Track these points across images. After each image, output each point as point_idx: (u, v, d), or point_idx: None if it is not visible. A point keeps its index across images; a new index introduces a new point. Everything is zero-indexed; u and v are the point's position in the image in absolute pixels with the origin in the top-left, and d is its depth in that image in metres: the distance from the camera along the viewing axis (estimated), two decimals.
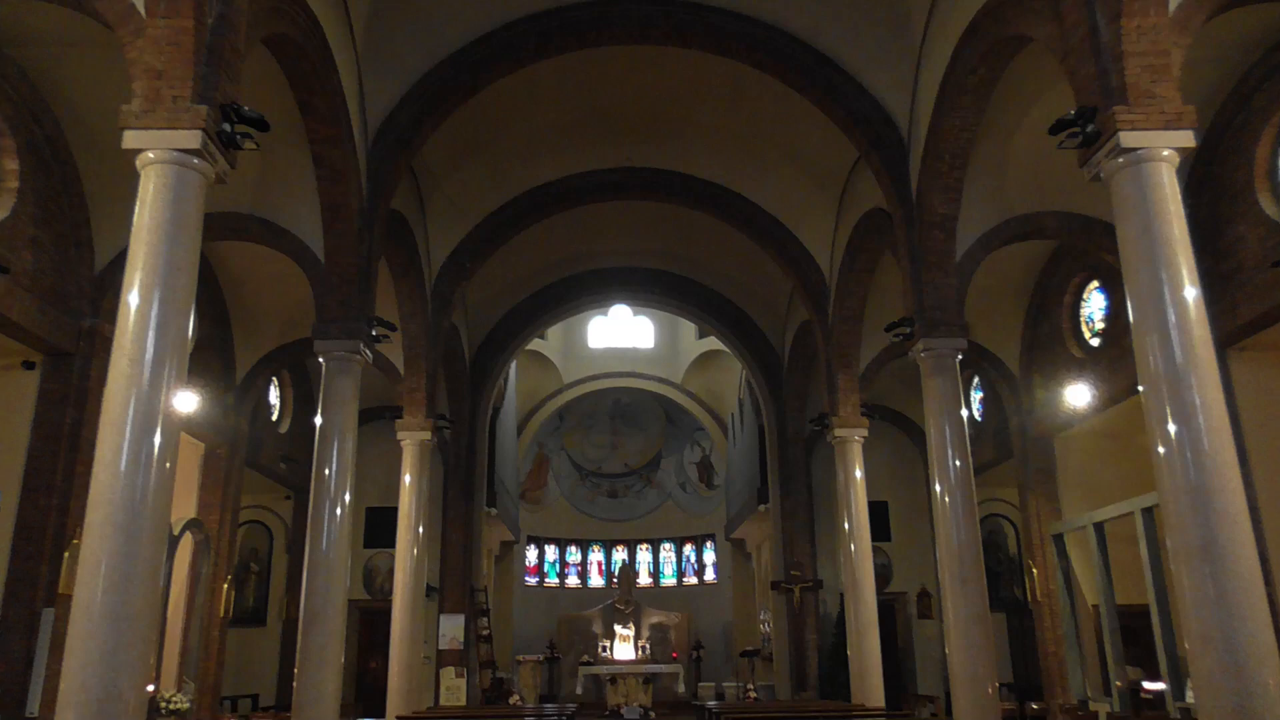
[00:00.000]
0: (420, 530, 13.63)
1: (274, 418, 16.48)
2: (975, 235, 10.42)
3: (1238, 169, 9.36)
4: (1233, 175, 9.43)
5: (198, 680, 13.29)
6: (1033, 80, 9.17)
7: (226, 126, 6.28)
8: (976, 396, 16.82)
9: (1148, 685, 12.01)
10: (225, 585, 14.15)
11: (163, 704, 11.36)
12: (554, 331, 25.09)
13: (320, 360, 10.16)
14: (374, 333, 10.33)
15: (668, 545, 28.52)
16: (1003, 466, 15.60)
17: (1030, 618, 14.93)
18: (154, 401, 5.63)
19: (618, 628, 23.78)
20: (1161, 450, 5.85)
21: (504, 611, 23.91)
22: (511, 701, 17.82)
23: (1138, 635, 12.52)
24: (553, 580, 27.92)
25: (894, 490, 18.88)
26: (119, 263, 9.29)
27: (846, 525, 13.51)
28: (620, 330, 26.94)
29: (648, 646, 23.59)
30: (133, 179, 6.15)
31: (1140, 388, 6.11)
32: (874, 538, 14.03)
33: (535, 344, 23.84)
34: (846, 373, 13.90)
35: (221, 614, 14.06)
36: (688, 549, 28.36)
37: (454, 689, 16.52)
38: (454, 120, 11.34)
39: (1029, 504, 14.39)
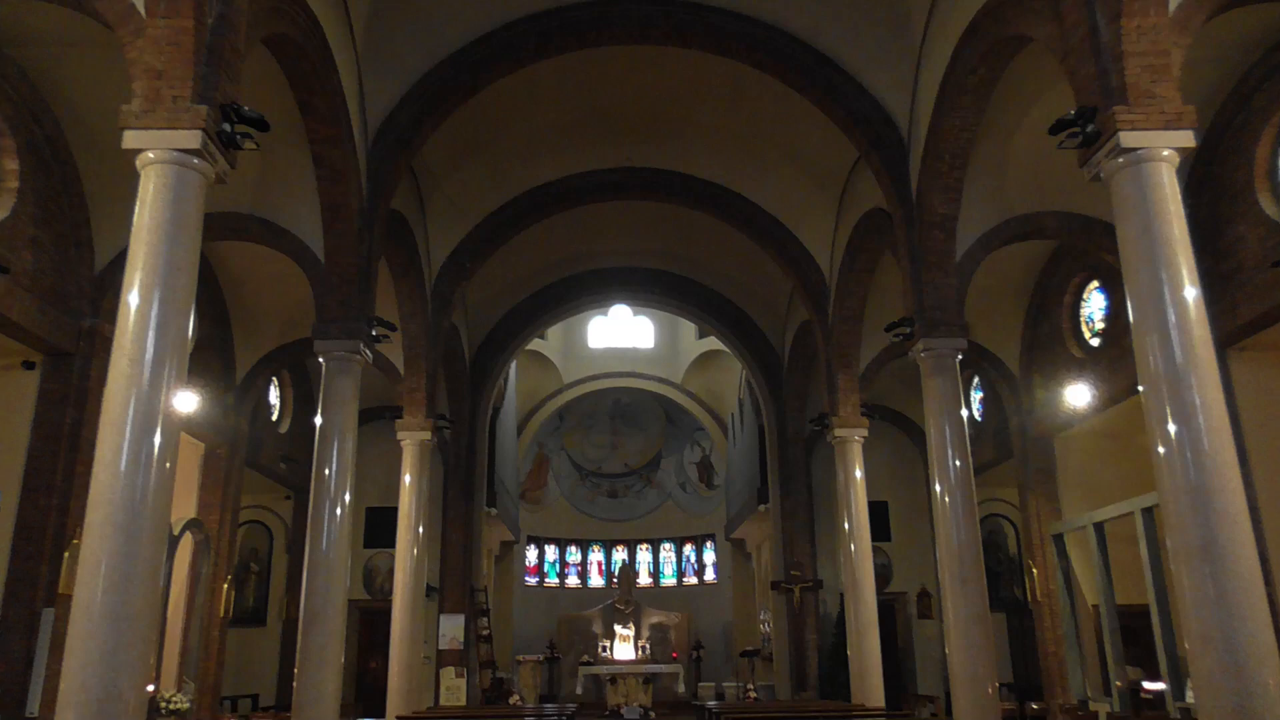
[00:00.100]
0: (420, 530, 13.63)
1: (274, 418, 16.48)
2: (975, 235, 10.42)
3: (1238, 169, 9.36)
4: (1233, 175, 9.43)
5: (198, 680, 13.29)
6: (1033, 80, 9.17)
7: (226, 126, 6.28)
8: (976, 396, 16.82)
9: (1148, 685, 12.01)
10: (225, 585, 14.15)
11: (163, 704, 11.36)
12: (554, 331, 25.09)
13: (320, 360, 10.16)
14: (374, 333, 10.33)
15: (668, 545, 28.52)
16: (1003, 466, 15.60)
17: (1030, 618, 14.93)
18: (154, 401, 5.63)
19: (618, 628, 23.78)
20: (1161, 450, 5.85)
21: (504, 611, 23.91)
22: (511, 701, 17.82)
23: (1138, 635, 12.52)
24: (553, 580, 27.92)
25: (894, 490, 18.88)
26: (119, 263, 9.29)
27: (846, 525, 13.51)
28: (620, 330, 26.94)
29: (648, 646, 23.59)
30: (133, 179, 6.15)
31: (1140, 388, 6.11)
32: (874, 538, 14.03)
33: (535, 344, 23.84)
34: (846, 373, 13.90)
35: (221, 614, 14.06)
36: (688, 549, 28.36)
37: (454, 689, 16.52)
38: (454, 120, 11.35)
39: (1029, 504, 14.39)
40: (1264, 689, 5.31)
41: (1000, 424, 15.51)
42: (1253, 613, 5.44)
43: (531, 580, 27.28)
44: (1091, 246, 11.14)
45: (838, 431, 13.76)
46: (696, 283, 19.02)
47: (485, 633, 18.63)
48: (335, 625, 9.27)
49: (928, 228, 10.15)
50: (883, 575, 17.56)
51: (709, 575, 27.66)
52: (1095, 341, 12.70)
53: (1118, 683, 12.43)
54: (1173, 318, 5.93)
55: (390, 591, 13.75)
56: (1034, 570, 14.21)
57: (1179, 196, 6.24)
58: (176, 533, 12.72)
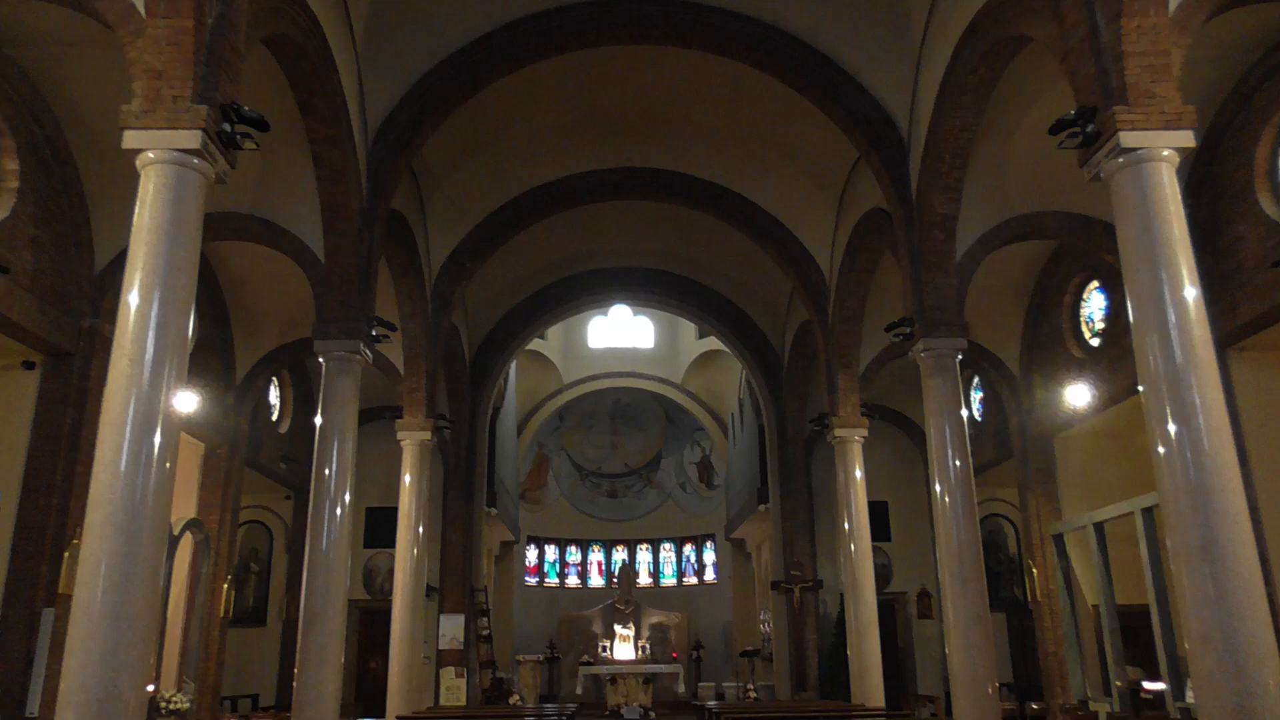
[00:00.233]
0: (420, 530, 13.63)
1: (274, 418, 16.48)
2: (975, 235, 10.42)
3: (1238, 169, 9.36)
4: (1233, 175, 9.43)
5: (198, 680, 13.29)
6: (1033, 80, 9.17)
7: (226, 126, 6.28)
8: (976, 396, 16.82)
9: (1148, 685, 12.01)
10: (225, 585, 14.15)
11: (163, 704, 11.36)
12: (554, 331, 25.09)
13: (320, 360, 10.16)
14: (374, 333, 10.33)
15: (668, 545, 28.52)
16: (1003, 466, 15.60)
17: (1030, 618, 14.93)
18: (154, 401, 5.64)
19: (618, 628, 23.78)
20: (1161, 450, 5.85)
21: (504, 611, 23.91)
22: (511, 701, 17.82)
23: (1138, 635, 12.52)
24: (553, 580, 27.92)
25: (894, 490, 18.88)
26: (119, 263, 9.29)
27: (846, 525, 13.51)
28: (620, 330, 26.93)
29: (648, 646, 23.58)
30: (133, 179, 6.15)
31: (1140, 388, 6.11)
32: (874, 538, 14.03)
33: (535, 344, 23.84)
34: (846, 373, 13.90)
35: (221, 614, 14.05)
36: (688, 549, 28.36)
37: (454, 689, 16.52)
38: (454, 120, 11.34)
39: (1029, 504, 14.39)
40: (1264, 689, 5.31)
41: (1000, 424, 15.51)
42: (1253, 613, 5.44)
43: (531, 580, 27.28)
44: (1091, 246, 11.14)
45: (838, 431, 13.76)
46: (696, 283, 19.02)
47: (485, 633, 18.63)
48: (335, 625, 9.27)
49: (928, 228, 10.15)
50: (883, 575, 17.56)
51: (709, 575, 27.66)
52: (1095, 341, 12.70)
53: (1118, 683, 12.44)
54: (1173, 318, 5.93)
55: (390, 591, 13.75)
56: (1034, 570, 14.21)
57: (1179, 196, 6.24)
58: (176, 533, 12.72)
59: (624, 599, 24.37)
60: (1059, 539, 14.01)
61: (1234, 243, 9.37)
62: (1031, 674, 15.81)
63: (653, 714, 19.83)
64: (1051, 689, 13.73)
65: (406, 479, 13.67)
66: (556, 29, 10.78)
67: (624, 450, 28.81)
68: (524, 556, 27.04)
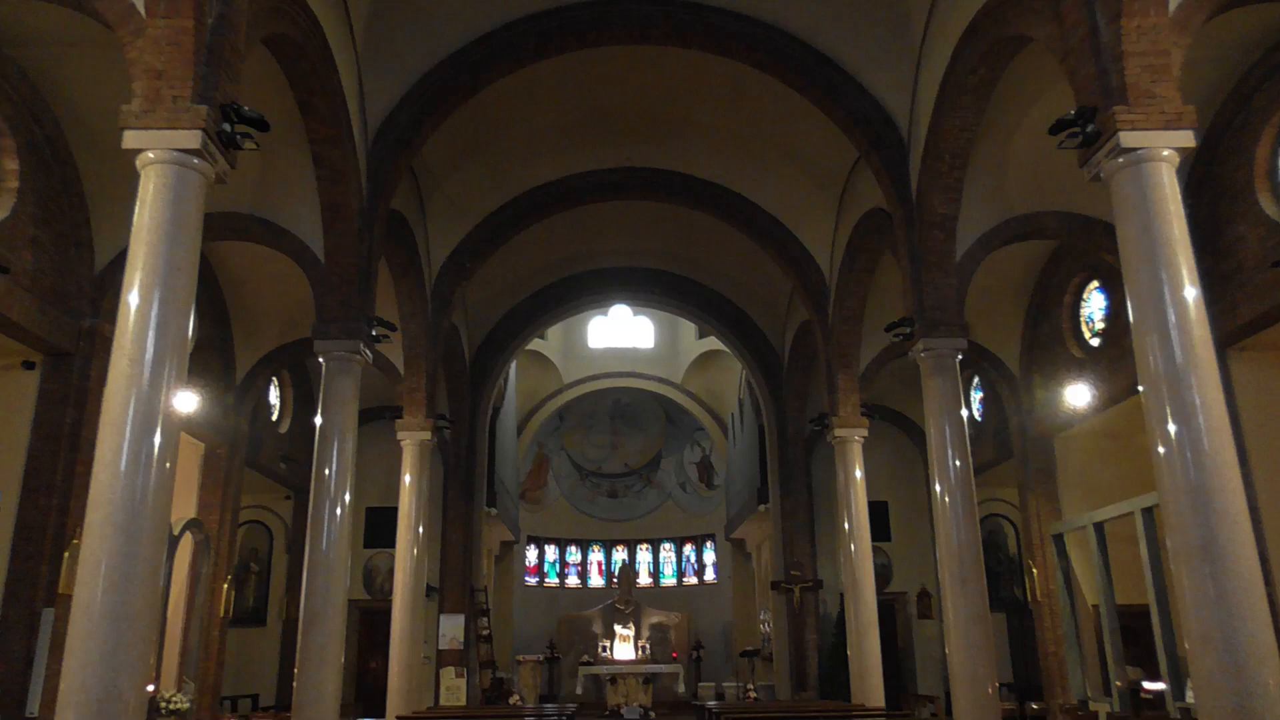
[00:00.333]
0: (420, 530, 13.63)
1: (274, 418, 16.48)
2: (975, 235, 10.42)
3: (1238, 169, 9.36)
4: (1233, 175, 9.43)
5: (198, 680, 13.29)
6: (1033, 80, 9.17)
7: (226, 126, 6.28)
8: (976, 396, 16.82)
9: (1148, 685, 12.01)
10: (225, 585, 14.15)
11: (163, 704, 11.36)
12: (554, 331, 25.09)
13: (320, 360, 10.16)
14: (374, 333, 10.33)
15: (668, 545, 28.52)
16: (1003, 466, 15.60)
17: (1030, 618, 14.93)
18: (154, 401, 5.64)
19: (618, 628, 23.78)
20: (1161, 450, 5.85)
21: (504, 611, 23.91)
22: (511, 701, 17.82)
23: (1138, 635, 12.52)
24: (553, 580, 27.92)
25: (894, 490, 18.88)
26: (119, 263, 9.29)
27: (846, 525, 13.51)
28: (620, 330, 26.93)
29: (648, 646, 23.58)
30: (133, 179, 6.15)
31: (1140, 388, 6.11)
32: (874, 538, 14.03)
33: (535, 344, 23.84)
34: (846, 373, 13.90)
35: (221, 614, 14.05)
36: (688, 549, 28.36)
37: (454, 689, 16.52)
38: (454, 120, 11.34)
39: (1029, 504, 14.39)
40: (1264, 689, 5.31)
41: (1000, 424, 15.51)
42: (1253, 613, 5.44)
43: (531, 580, 27.28)
44: (1091, 246, 11.14)
45: (838, 431, 13.76)
46: (696, 283, 19.02)
47: (485, 633, 18.63)
48: (335, 625, 9.27)
49: (928, 228, 10.14)
50: (883, 575, 17.56)
51: (709, 575, 27.66)
52: (1095, 341, 12.70)
53: (1118, 683, 12.43)
54: (1173, 318, 5.93)
55: (390, 591, 13.75)
56: (1034, 570, 14.21)
57: (1179, 196, 6.24)
58: (176, 533, 12.72)
59: (624, 599, 24.37)
60: (1059, 539, 14.01)
61: (1234, 243, 9.37)
62: (1031, 674, 15.81)
63: (653, 714, 19.83)
64: (1051, 689, 13.73)
65: (406, 479, 13.67)
66: (556, 29, 10.78)
67: (624, 450, 28.81)
68: (524, 556, 27.04)
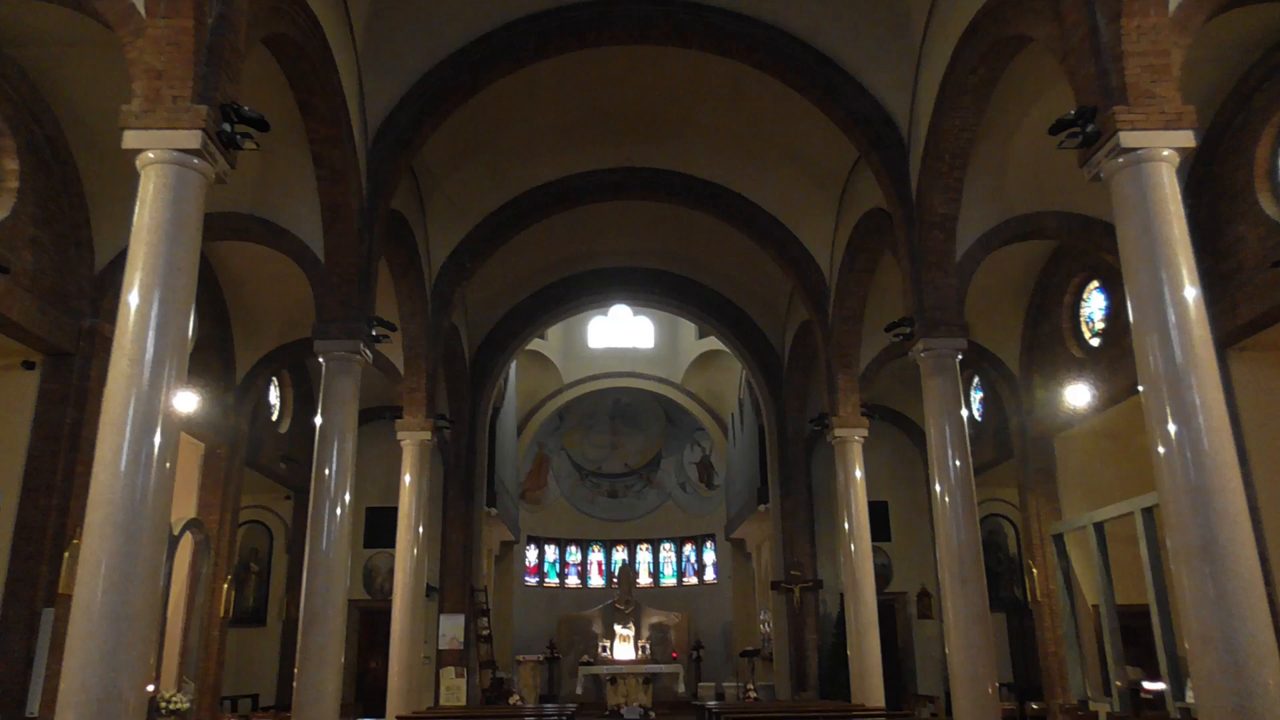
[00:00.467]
0: (420, 530, 13.63)
1: (274, 418, 16.48)
2: (975, 235, 10.42)
3: (1238, 169, 9.36)
4: (1233, 175, 9.43)
5: (198, 680, 13.29)
6: (1033, 80, 9.17)
7: (226, 126, 6.28)
8: (976, 396, 16.82)
9: (1148, 685, 12.01)
10: (225, 585, 14.15)
11: (163, 704, 11.36)
12: (554, 331, 25.09)
13: (320, 360, 10.16)
14: (374, 333, 10.33)
15: (668, 545, 28.52)
16: (1003, 466, 15.60)
17: (1030, 618, 14.93)
18: (154, 401, 5.63)
19: (618, 628, 23.78)
20: (1161, 450, 5.85)
21: (504, 611, 23.91)
22: (511, 701, 17.82)
23: (1138, 635, 12.52)
24: (553, 580, 27.92)
25: (894, 490, 18.88)
26: (119, 263, 9.29)
27: (846, 525, 13.51)
28: (620, 330, 26.93)
29: (648, 646, 23.58)
30: (133, 179, 6.15)
31: (1140, 388, 6.10)
32: (874, 538, 14.03)
33: (535, 344, 23.84)
34: (846, 373, 13.90)
35: (221, 614, 14.05)
36: (688, 549, 28.36)
37: (454, 689, 16.52)
38: (454, 120, 11.34)
39: (1029, 504, 14.39)
40: (1264, 689, 5.31)
41: (1000, 424, 15.51)
42: (1253, 613, 5.44)
43: (531, 580, 27.28)
44: (1091, 246, 11.14)
45: (838, 431, 13.76)
46: (696, 283, 19.02)
47: (485, 633, 18.63)
48: (335, 625, 9.27)
49: (928, 228, 10.14)
50: (883, 575, 17.56)
51: (709, 575, 27.66)
52: (1095, 341, 12.70)
53: (1118, 683, 12.43)
54: (1173, 318, 5.93)
55: (390, 591, 13.75)
56: (1034, 570, 14.21)
57: (1179, 196, 6.24)
58: (176, 533, 12.72)
59: (624, 599, 24.37)
60: (1059, 539, 14.01)
61: (1234, 243, 9.37)
62: (1031, 674, 15.81)
63: (653, 714, 19.83)
64: (1051, 689, 13.73)
65: (406, 479, 13.67)
66: (556, 29, 10.77)
67: (624, 450, 28.81)
68: (524, 556, 27.04)
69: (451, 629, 17.02)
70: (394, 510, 13.85)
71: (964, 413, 9.98)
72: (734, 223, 14.99)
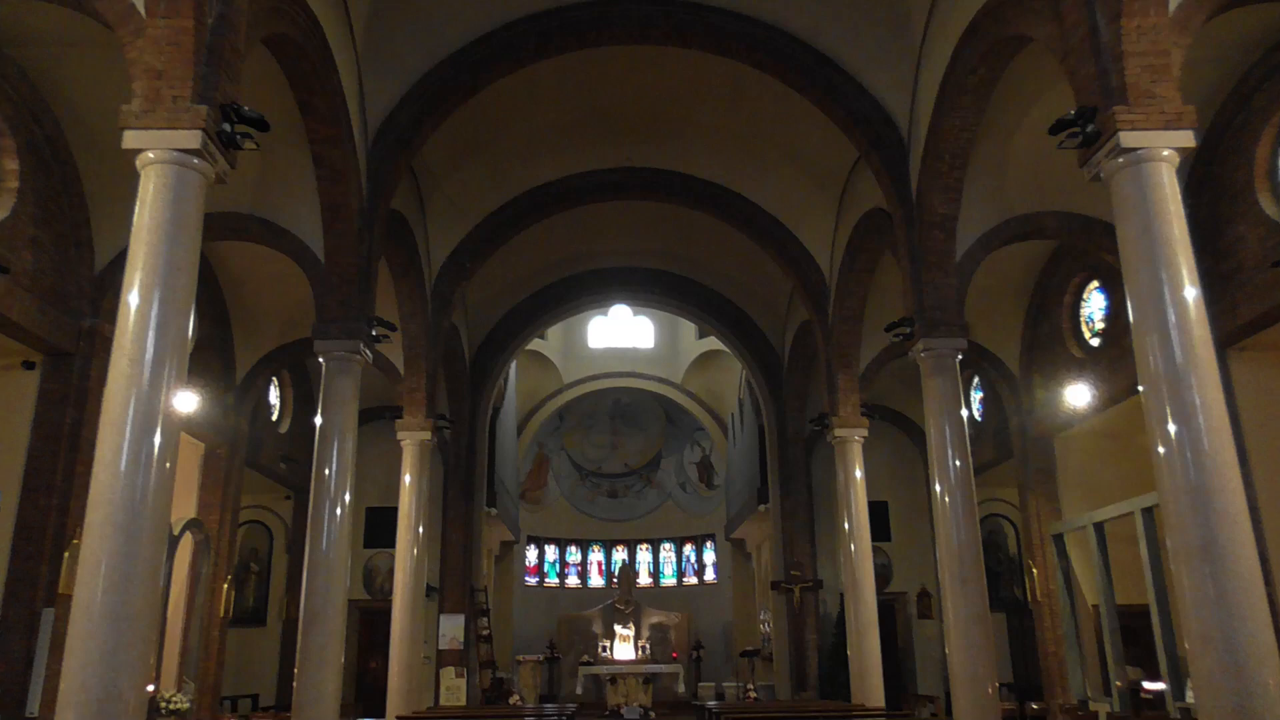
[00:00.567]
0: (420, 530, 13.63)
1: (274, 418, 16.48)
2: (975, 235, 10.42)
3: (1238, 169, 9.36)
4: (1233, 175, 9.43)
5: (198, 680, 13.29)
6: (1033, 80, 9.17)
7: (226, 126, 6.28)
8: (976, 396, 16.82)
9: (1148, 685, 12.01)
10: (225, 585, 14.15)
11: (163, 704, 11.36)
12: (554, 331, 25.09)
13: (320, 360, 10.16)
14: (374, 333, 10.33)
15: (668, 545, 28.52)
16: (1003, 466, 15.60)
17: (1030, 618, 14.93)
18: (154, 401, 5.63)
19: (618, 628, 23.78)
20: (1161, 450, 5.85)
21: (504, 611, 23.91)
22: (511, 701, 17.82)
23: (1138, 635, 12.52)
24: (553, 580, 27.92)
25: (894, 490, 18.88)
26: (119, 263, 9.29)
27: (846, 525, 13.51)
28: (620, 330, 26.93)
29: (648, 646, 23.58)
30: (133, 179, 6.15)
31: (1140, 388, 6.11)
32: (874, 538, 14.03)
33: (535, 344, 23.84)
34: (846, 373, 13.90)
35: (221, 614, 14.06)
36: (688, 549, 28.36)
37: (454, 689, 16.52)
38: (454, 120, 11.34)
39: (1029, 504, 14.39)
40: (1264, 689, 5.31)
41: (1000, 424, 15.51)
42: (1253, 613, 5.44)
43: (531, 580, 27.28)
44: (1091, 246, 11.14)
45: (838, 431, 13.76)
46: (696, 283, 19.02)
47: (485, 633, 18.63)
48: (335, 625, 9.27)
49: (928, 228, 10.15)
50: (883, 575, 17.56)
51: (709, 575, 27.66)
52: (1095, 341, 12.70)
53: (1118, 683, 12.43)
54: (1173, 318, 5.93)
55: (390, 591, 13.75)
56: (1034, 570, 14.21)
57: (1179, 196, 6.24)
58: (176, 533, 12.72)
59: (624, 599, 24.37)
60: (1059, 539, 14.01)
61: (1234, 243, 9.37)
62: (1031, 674, 15.81)
63: (653, 714, 19.83)
64: (1051, 689, 13.73)
65: (406, 479, 13.67)
66: (556, 29, 10.78)
67: (624, 450, 28.81)
68: (524, 556, 27.04)
69: (451, 629, 17.02)
70: (394, 510, 13.85)
71: (964, 413, 9.98)
72: (734, 223, 14.99)
